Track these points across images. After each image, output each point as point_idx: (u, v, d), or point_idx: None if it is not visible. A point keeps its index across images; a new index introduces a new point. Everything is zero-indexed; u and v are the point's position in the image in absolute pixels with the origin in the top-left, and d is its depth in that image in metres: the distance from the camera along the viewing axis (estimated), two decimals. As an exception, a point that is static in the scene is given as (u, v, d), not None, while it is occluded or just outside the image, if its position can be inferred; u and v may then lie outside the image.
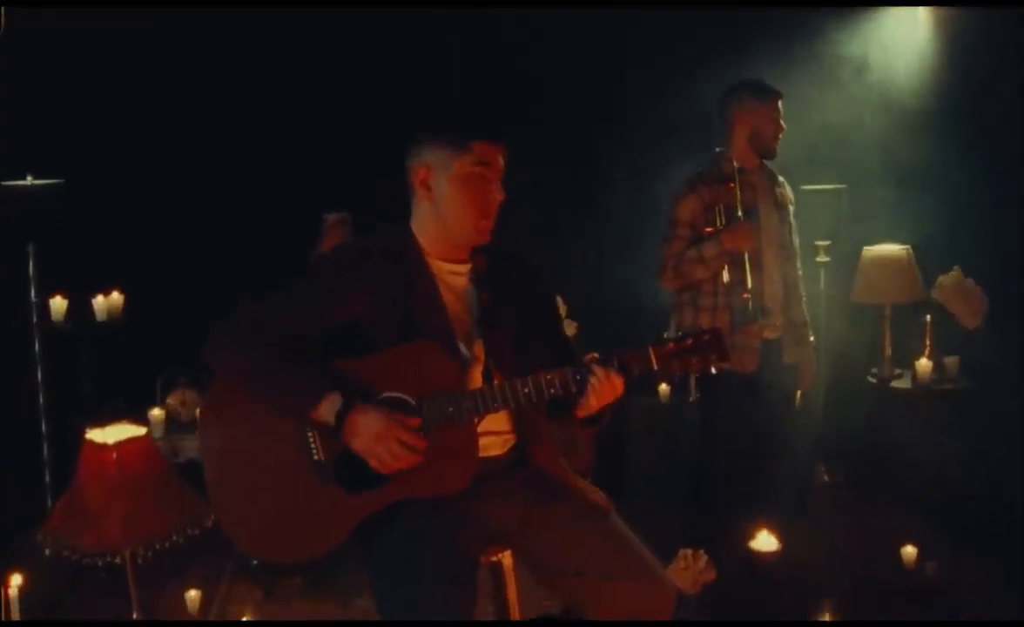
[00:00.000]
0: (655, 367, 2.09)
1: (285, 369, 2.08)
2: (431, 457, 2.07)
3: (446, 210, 2.18)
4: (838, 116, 4.73)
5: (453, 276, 2.24)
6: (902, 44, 5.02)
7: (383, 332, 2.13)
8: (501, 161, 2.20)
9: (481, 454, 2.13)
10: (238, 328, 2.15)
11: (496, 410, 2.11)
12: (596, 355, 2.09)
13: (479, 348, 2.20)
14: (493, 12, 4.71)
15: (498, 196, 2.19)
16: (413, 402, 2.09)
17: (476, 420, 2.11)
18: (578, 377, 2.07)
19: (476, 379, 2.16)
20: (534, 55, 4.89)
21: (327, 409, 2.04)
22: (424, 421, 2.08)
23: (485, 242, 2.22)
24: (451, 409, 2.08)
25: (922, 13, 5.03)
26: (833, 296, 4.72)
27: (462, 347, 2.18)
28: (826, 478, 4.79)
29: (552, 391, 2.08)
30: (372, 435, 2.03)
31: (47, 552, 2.79)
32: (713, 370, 2.14)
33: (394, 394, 2.10)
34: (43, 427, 4.23)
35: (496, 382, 2.10)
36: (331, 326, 2.14)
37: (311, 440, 2.12)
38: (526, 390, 2.08)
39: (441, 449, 2.08)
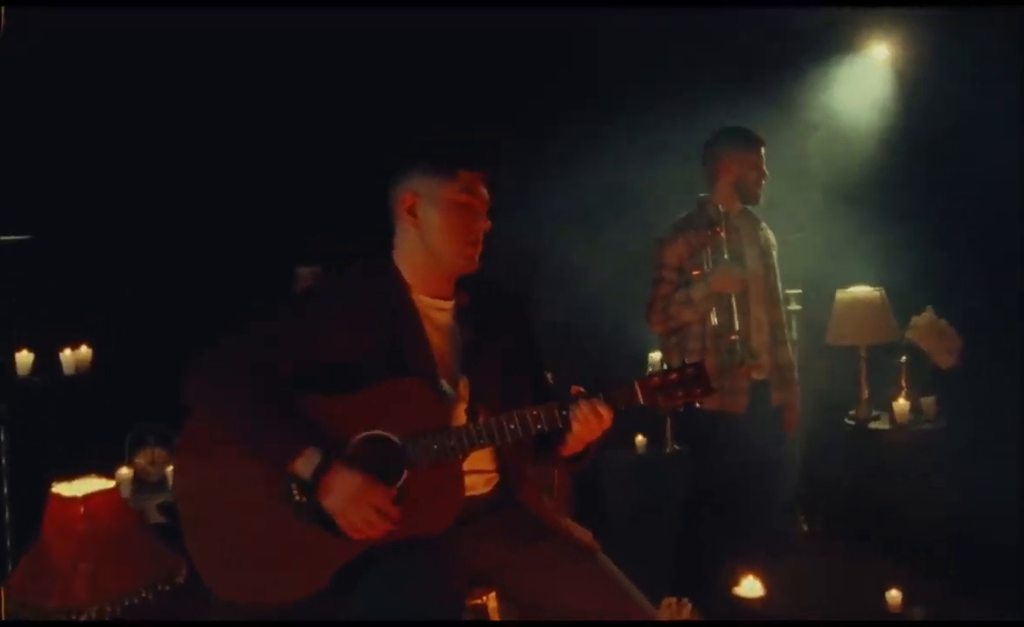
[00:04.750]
0: (641, 401, 2.07)
1: (264, 415, 2.03)
2: (417, 496, 2.02)
3: (432, 238, 2.15)
4: (805, 163, 4.78)
5: (437, 312, 2.20)
6: (865, 88, 5.11)
7: (366, 369, 2.08)
8: (485, 191, 2.20)
9: (466, 493, 2.08)
10: (217, 364, 2.08)
11: (482, 447, 2.07)
12: (582, 389, 2.06)
13: (463, 386, 2.16)
14: (480, 41, 4.74)
15: (483, 225, 2.18)
16: (398, 441, 2.05)
17: (461, 458, 2.06)
18: (564, 412, 2.05)
19: (460, 417, 2.12)
20: (517, 95, 4.91)
21: (304, 464, 2.00)
22: (408, 462, 2.03)
23: (472, 270, 2.19)
24: (436, 447, 2.04)
25: (881, 56, 5.13)
26: (807, 340, 4.71)
27: (446, 385, 2.14)
28: (804, 527, 4.75)
29: (539, 426, 2.05)
30: (346, 498, 1.99)
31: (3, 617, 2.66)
32: (698, 405, 2.12)
33: (378, 432, 2.05)
34: (4, 488, 4.09)
35: (481, 419, 2.06)
36: (313, 362, 2.09)
37: (293, 484, 2.05)
38: (512, 426, 2.04)
39: (426, 488, 2.03)
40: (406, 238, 2.19)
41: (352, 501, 1.98)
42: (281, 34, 4.52)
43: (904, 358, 4.59)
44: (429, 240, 2.15)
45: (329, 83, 4.77)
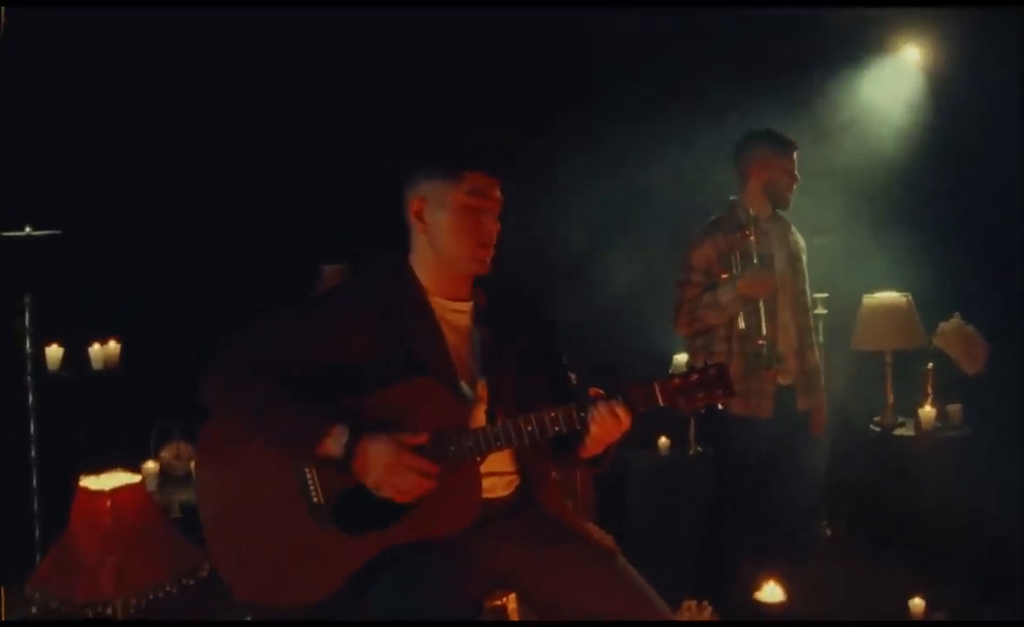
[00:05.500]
0: (661, 403, 2.04)
1: (286, 404, 2.04)
2: (434, 498, 2.03)
3: (441, 242, 2.16)
4: (832, 166, 4.75)
5: (455, 314, 2.21)
6: (895, 91, 5.07)
7: (383, 371, 2.09)
8: (497, 192, 2.18)
9: (485, 495, 2.09)
10: (235, 364, 2.11)
11: (500, 449, 2.07)
12: (600, 391, 2.05)
13: (482, 388, 2.16)
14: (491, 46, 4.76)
15: (493, 227, 2.17)
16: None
17: (479, 460, 2.07)
18: (582, 413, 2.03)
19: (479, 419, 2.12)
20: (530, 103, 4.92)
21: (333, 442, 2.00)
22: (431, 448, 2.04)
23: (484, 272, 2.19)
24: (453, 448, 2.04)
25: (912, 58, 5.09)
26: (833, 346, 4.69)
27: (464, 386, 2.14)
28: (828, 532, 4.74)
29: (556, 428, 2.04)
30: (383, 465, 2.00)
31: (34, 608, 2.70)
32: (720, 406, 2.09)
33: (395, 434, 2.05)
34: (34, 481, 4.16)
35: (499, 421, 2.06)
36: (328, 364, 2.10)
37: (310, 481, 2.07)
38: (529, 428, 2.04)
39: (444, 489, 2.03)
40: (418, 242, 2.20)
41: (389, 469, 1.99)
42: (312, 34, 4.57)
43: (930, 364, 4.56)
44: (438, 244, 2.16)
45: (352, 83, 4.81)
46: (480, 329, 2.20)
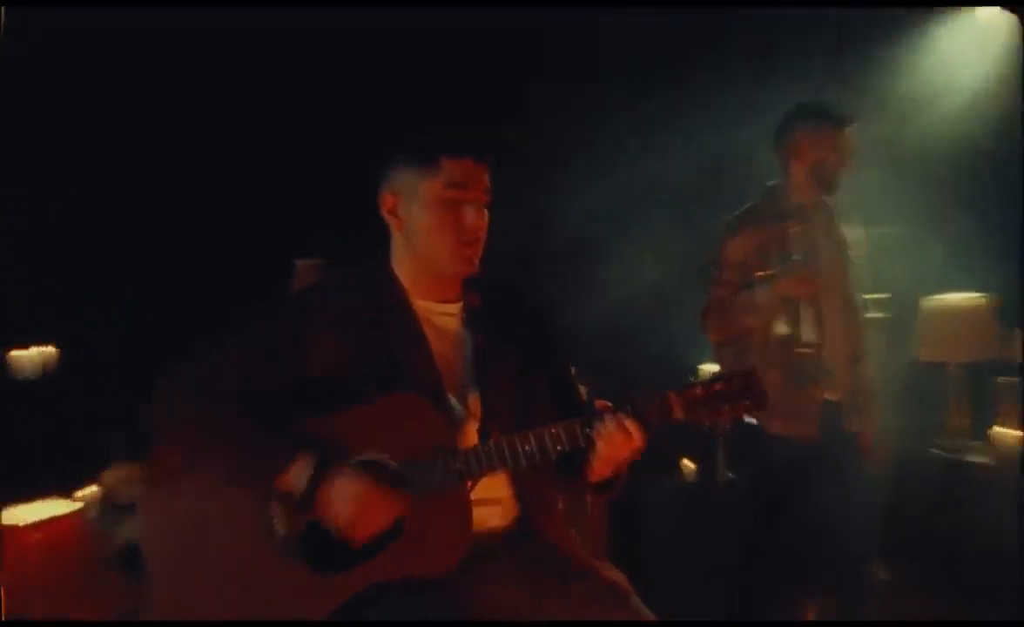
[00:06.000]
0: (679, 416, 2.04)
1: (246, 430, 2.05)
2: (417, 531, 2.03)
3: (418, 241, 2.16)
4: (894, 143, 4.76)
5: (442, 317, 2.22)
6: (976, 54, 5.05)
7: (361, 385, 2.10)
8: (485, 180, 2.17)
9: (478, 527, 2.10)
10: (189, 382, 2.12)
11: (493, 472, 2.08)
12: (608, 404, 2.05)
13: (473, 401, 2.17)
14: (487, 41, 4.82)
15: (478, 221, 2.15)
16: (393, 465, 2.06)
17: (469, 485, 2.08)
18: (587, 429, 2.04)
19: (470, 436, 2.13)
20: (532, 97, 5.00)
21: (297, 474, 2.01)
22: (407, 487, 2.05)
23: (470, 272, 2.19)
24: (438, 472, 2.05)
25: (997, 19, 5.06)
26: (892, 356, 4.69)
27: (453, 400, 2.15)
28: (882, 575, 4.73)
29: (558, 446, 2.04)
30: (347, 501, 1.99)
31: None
32: (747, 419, 2.10)
33: (371, 456, 2.06)
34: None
35: (492, 440, 2.06)
36: (299, 379, 2.11)
37: (274, 516, 2.08)
38: (527, 447, 2.04)
39: (429, 521, 2.04)
40: (395, 240, 2.21)
41: (356, 501, 1.98)
42: (310, 33, 4.63)
43: (1015, 379, 4.53)
44: (415, 243, 2.16)
45: (348, 82, 4.91)
46: (471, 333, 2.22)
